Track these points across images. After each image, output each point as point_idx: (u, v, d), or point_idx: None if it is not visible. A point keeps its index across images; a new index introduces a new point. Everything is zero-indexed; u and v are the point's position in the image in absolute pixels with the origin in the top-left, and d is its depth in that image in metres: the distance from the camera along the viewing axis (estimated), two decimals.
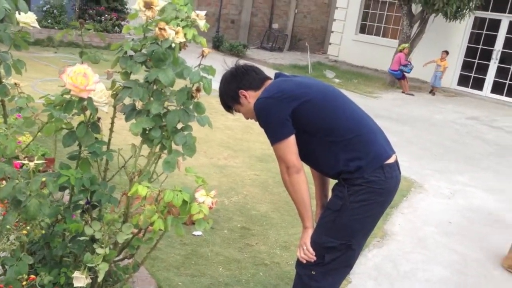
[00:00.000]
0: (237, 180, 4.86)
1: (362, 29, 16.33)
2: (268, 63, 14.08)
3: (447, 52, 12.31)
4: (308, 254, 2.30)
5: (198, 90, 1.77)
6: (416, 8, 12.50)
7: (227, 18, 17.52)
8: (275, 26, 18.67)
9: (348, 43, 16.40)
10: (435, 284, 3.52)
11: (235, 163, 5.38)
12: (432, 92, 12.40)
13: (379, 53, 14.79)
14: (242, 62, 2.53)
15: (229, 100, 2.45)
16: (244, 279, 3.17)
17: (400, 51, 12.05)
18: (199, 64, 1.75)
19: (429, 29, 12.54)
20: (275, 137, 2.27)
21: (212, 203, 1.75)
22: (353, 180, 2.22)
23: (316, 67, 14.09)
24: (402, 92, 12.11)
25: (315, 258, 2.29)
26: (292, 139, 2.25)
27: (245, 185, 4.78)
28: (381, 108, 9.80)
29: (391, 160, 2.28)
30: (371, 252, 3.84)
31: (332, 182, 2.44)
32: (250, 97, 2.37)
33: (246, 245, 3.63)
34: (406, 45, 12.08)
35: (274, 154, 2.33)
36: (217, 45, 15.12)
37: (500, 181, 6.09)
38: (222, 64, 2.52)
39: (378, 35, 15.88)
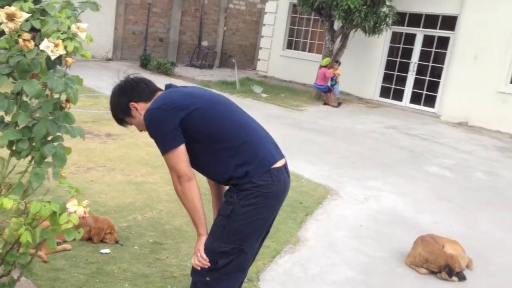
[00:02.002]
0: (153, 196, 4.84)
1: (289, 45, 16.76)
2: (197, 80, 14.13)
3: (339, 63, 12.79)
4: (202, 260, 2.34)
5: (67, 100, 1.78)
6: (337, 24, 13.01)
7: (155, 37, 17.46)
8: (204, 43, 18.80)
9: (276, 58, 16.77)
10: (342, 285, 3.65)
11: (152, 179, 5.35)
12: (338, 103, 12.74)
13: (305, 67, 15.23)
14: (132, 74, 2.56)
15: (120, 113, 2.48)
16: None
17: (322, 66, 12.47)
18: (64, 74, 1.77)
19: (351, 44, 13.06)
20: (165, 147, 2.31)
21: (84, 213, 1.75)
22: (242, 185, 2.29)
23: (245, 83, 14.28)
24: (327, 104, 12.50)
25: (209, 264, 2.34)
26: (182, 148, 2.29)
27: (161, 201, 4.76)
28: (306, 121, 10.07)
29: (278, 164, 2.37)
30: (282, 259, 3.93)
31: None
32: (141, 109, 2.40)
33: (156, 260, 3.61)
34: (327, 59, 12.53)
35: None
36: (144, 63, 15.03)
37: (411, 185, 6.41)
38: (112, 77, 2.54)
39: (304, 50, 16.37)
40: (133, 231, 4.00)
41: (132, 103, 2.41)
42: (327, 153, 7.62)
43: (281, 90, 14.03)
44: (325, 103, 12.57)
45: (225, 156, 2.33)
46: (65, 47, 1.91)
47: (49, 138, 1.78)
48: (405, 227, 4.87)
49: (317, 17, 14.52)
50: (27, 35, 1.68)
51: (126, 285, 3.20)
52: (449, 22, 12.55)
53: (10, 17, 1.69)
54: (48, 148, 1.73)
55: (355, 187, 6.03)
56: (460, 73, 12.08)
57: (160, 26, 17.57)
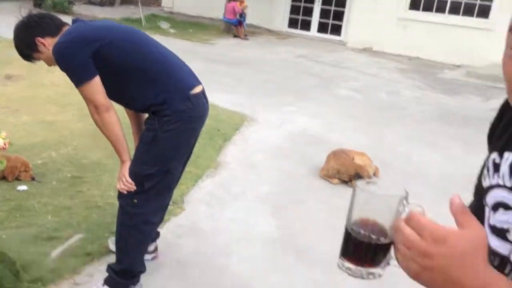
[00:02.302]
0: (65, 134, 4.69)
1: None
2: (99, 18, 13.40)
3: None
4: (127, 184, 2.37)
5: None
6: None
7: None
8: None
9: None
10: (263, 199, 3.84)
11: (63, 117, 5.16)
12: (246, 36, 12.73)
13: (212, 1, 14.89)
14: (35, 11, 2.46)
15: (26, 50, 2.42)
16: (75, 222, 3.15)
17: (230, 0, 12.28)
18: None
19: None
20: (78, 79, 2.27)
21: (4, 144, 1.69)
22: (162, 111, 2.31)
23: (151, 19, 13.78)
24: (237, 37, 12.44)
25: (135, 187, 2.37)
26: (96, 79, 2.26)
27: (75, 137, 4.63)
28: (217, 53, 10.00)
29: (196, 90, 2.40)
30: (205, 182, 4.04)
31: None
32: (49, 44, 2.35)
33: (78, 192, 3.57)
34: None
35: None
36: (38, 2, 13.93)
37: (323, 107, 6.69)
38: (15, 15, 2.43)
39: None
40: (49, 168, 3.90)
41: (38, 38, 2.35)
42: (241, 82, 7.70)
43: (189, 25, 13.71)
44: (235, 36, 12.50)
45: (143, 84, 2.33)
46: None
47: None
48: (318, 145, 5.13)
49: None
50: None
51: (49, 217, 3.16)
52: None
53: None
54: None
55: (270, 113, 6.20)
56: (362, 1, 12.44)
57: None
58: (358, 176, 4.17)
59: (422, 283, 0.72)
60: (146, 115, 2.48)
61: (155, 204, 2.51)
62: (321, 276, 2.95)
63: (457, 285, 0.69)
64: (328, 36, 13.49)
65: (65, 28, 2.37)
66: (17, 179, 3.56)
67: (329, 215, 3.70)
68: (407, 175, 4.58)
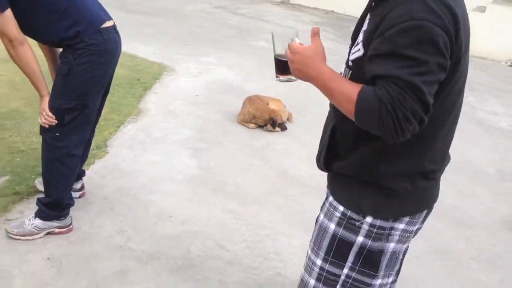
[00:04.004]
0: None
1: None
2: None
3: None
4: (48, 118, 2.51)
5: None
6: None
7: None
8: None
9: None
10: (182, 142, 4.10)
11: None
12: None
13: None
14: None
15: None
16: (1, 165, 3.25)
17: None
18: None
19: None
20: None
21: None
22: (75, 45, 2.45)
23: None
24: None
25: (56, 121, 2.52)
26: (8, 12, 2.33)
27: None
28: (133, 2, 9.81)
29: (107, 24, 2.55)
30: (126, 127, 4.21)
31: None
32: None
33: None
34: None
35: None
36: None
37: (240, 58, 6.94)
38: None
39: None
40: None
41: None
42: (160, 33, 7.72)
43: None
44: None
45: (54, 18, 2.42)
46: None
47: None
48: (235, 94, 5.41)
49: None
50: None
51: None
52: None
53: None
54: None
55: (188, 63, 6.35)
56: None
57: None
58: (272, 120, 4.53)
59: (298, 77, 1.45)
60: (61, 51, 2.60)
61: (76, 137, 2.65)
62: (238, 207, 3.30)
63: (306, 73, 1.39)
64: None
65: None
66: None
67: (245, 155, 4.04)
68: (318, 117, 4.99)
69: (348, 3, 11.61)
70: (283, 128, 4.61)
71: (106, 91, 2.83)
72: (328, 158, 1.58)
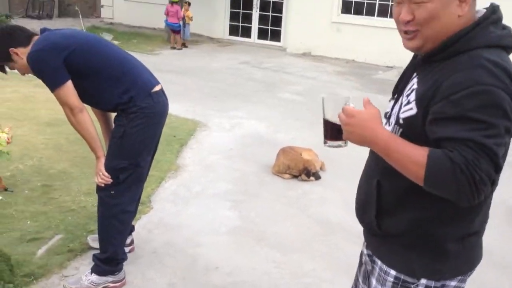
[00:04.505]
0: (28, 147, 4.89)
1: None
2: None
3: (189, 3, 13.03)
4: (104, 178, 2.70)
5: None
6: None
7: None
8: None
9: (121, 4, 16.32)
10: (222, 195, 4.24)
11: (22, 132, 5.32)
12: (184, 45, 12.89)
13: (153, 11, 15.09)
14: (4, 24, 2.74)
15: (0, 60, 2.67)
16: (54, 225, 3.43)
17: (173, 2, 12.43)
18: None
19: None
20: (53, 84, 2.58)
21: (8, 138, 1.99)
22: (129, 109, 2.66)
23: (92, 31, 13.80)
24: (175, 47, 12.52)
25: (111, 180, 2.70)
26: (69, 83, 2.58)
27: (38, 150, 4.84)
28: (163, 63, 10.28)
29: (157, 89, 2.78)
30: (168, 183, 4.39)
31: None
32: (22, 54, 2.63)
33: (50, 199, 3.83)
34: None
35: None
36: None
37: (268, 111, 7.16)
38: None
39: None
40: (19, 179, 4.12)
41: (12, 49, 2.61)
42: (189, 91, 8.05)
43: (132, 36, 13.89)
44: (173, 47, 12.53)
45: (108, 86, 2.66)
46: None
47: None
48: (267, 145, 5.58)
49: None
50: None
51: (28, 222, 3.42)
52: None
53: None
54: None
55: (220, 118, 6.59)
56: (298, 7, 13.06)
57: None
58: (306, 170, 4.65)
59: (353, 142, 1.44)
60: (113, 114, 2.82)
61: (130, 194, 2.84)
62: (281, 256, 3.38)
63: (363, 136, 1.39)
64: (268, 42, 14.03)
65: (35, 38, 2.66)
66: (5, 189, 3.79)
67: (283, 205, 4.15)
68: (350, 167, 5.10)
69: (368, 52, 11.90)
70: (317, 177, 4.72)
71: (155, 150, 3.02)
72: (378, 216, 1.55)
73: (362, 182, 1.66)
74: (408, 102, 1.43)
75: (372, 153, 1.58)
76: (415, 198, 1.42)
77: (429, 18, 1.36)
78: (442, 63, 1.37)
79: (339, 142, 1.51)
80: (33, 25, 14.50)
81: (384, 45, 11.44)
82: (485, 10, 1.42)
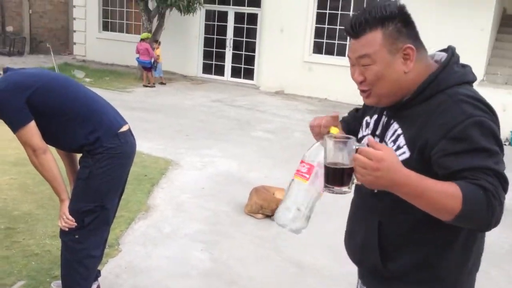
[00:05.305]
0: None
1: (105, 27, 16.44)
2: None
3: (159, 42, 13.00)
4: (68, 221, 2.59)
5: None
6: (152, 4, 13.22)
7: None
8: (9, 29, 17.42)
9: (93, 41, 16.33)
10: (193, 236, 4.13)
11: None
12: (162, 83, 12.92)
13: (126, 49, 15.10)
14: None
15: None
16: (16, 270, 3.26)
17: (142, 40, 12.47)
18: None
19: (168, 23, 13.40)
20: (15, 125, 2.50)
21: None
22: (94, 150, 2.59)
23: (64, 68, 13.73)
24: (147, 85, 12.42)
25: (75, 224, 2.59)
26: (32, 124, 2.50)
27: (2, 190, 4.67)
28: (135, 101, 10.24)
29: (124, 129, 2.72)
30: (137, 224, 4.26)
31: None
32: None
33: (13, 243, 3.66)
34: (147, 33, 12.67)
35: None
36: None
37: (241, 149, 7.14)
38: None
39: (122, 31, 16.23)
40: None
41: None
42: (161, 128, 7.99)
43: (104, 74, 13.83)
44: (145, 85, 12.43)
45: (73, 126, 2.59)
46: None
47: None
48: (240, 184, 5.52)
49: None
50: None
51: None
52: (255, 0, 13.60)
53: None
54: None
55: (192, 156, 6.52)
56: (271, 46, 13.28)
57: None
58: None
59: (376, 187, 1.30)
60: (78, 155, 2.73)
61: (95, 238, 2.73)
62: None
63: (392, 180, 1.25)
64: (241, 80, 14.16)
65: None
66: None
67: (257, 246, 4.06)
68: (323, 206, 5.06)
69: (340, 91, 12.07)
70: None
71: (122, 191, 2.93)
72: (382, 257, 1.52)
73: (355, 226, 1.65)
74: (399, 147, 1.45)
75: (367, 195, 1.53)
76: (418, 234, 1.45)
77: (376, 79, 1.45)
78: (421, 104, 1.43)
79: (346, 188, 1.35)
80: (4, 62, 14.33)
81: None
82: (443, 52, 1.52)
